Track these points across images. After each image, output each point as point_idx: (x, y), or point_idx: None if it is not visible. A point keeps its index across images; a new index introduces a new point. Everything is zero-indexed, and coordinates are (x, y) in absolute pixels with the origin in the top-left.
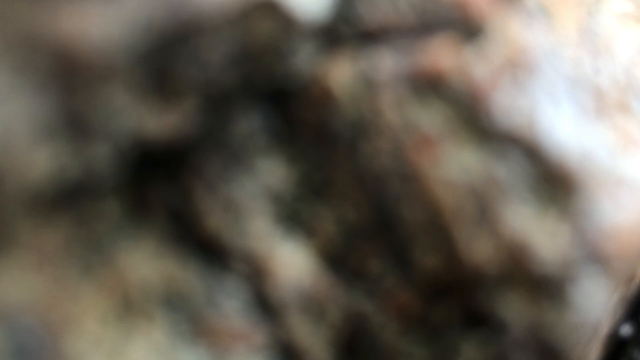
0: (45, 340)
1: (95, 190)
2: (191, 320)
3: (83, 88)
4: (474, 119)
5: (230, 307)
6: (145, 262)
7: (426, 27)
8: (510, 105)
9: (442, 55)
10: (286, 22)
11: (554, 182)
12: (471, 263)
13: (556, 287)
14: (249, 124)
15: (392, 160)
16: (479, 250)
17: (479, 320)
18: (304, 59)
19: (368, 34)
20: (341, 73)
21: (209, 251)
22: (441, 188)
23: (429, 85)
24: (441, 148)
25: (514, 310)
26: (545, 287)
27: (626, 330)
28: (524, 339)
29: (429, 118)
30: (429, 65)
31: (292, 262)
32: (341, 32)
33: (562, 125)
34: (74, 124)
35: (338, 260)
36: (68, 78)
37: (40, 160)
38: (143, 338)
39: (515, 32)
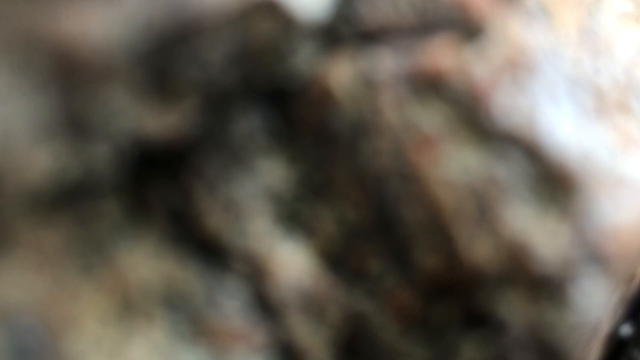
0: (45, 340)
1: (95, 190)
2: (191, 320)
3: (83, 88)
4: (474, 119)
5: (230, 307)
6: (145, 262)
7: (426, 27)
8: (510, 105)
9: (442, 55)
10: (286, 22)
11: (554, 182)
12: (471, 263)
13: (556, 287)
14: (249, 124)
15: (392, 160)
16: (479, 250)
17: (479, 320)
18: (304, 59)
19: (368, 34)
20: (341, 73)
21: (209, 251)
22: (441, 188)
23: (429, 85)
24: (441, 148)
25: (514, 310)
26: (545, 287)
27: (626, 330)
28: (524, 339)
29: (429, 118)
30: (429, 65)
31: (292, 262)
32: (341, 32)
33: (562, 125)
34: (74, 124)
35: (338, 260)
36: (68, 78)
37: (40, 160)
38: (143, 338)
39: (515, 32)
